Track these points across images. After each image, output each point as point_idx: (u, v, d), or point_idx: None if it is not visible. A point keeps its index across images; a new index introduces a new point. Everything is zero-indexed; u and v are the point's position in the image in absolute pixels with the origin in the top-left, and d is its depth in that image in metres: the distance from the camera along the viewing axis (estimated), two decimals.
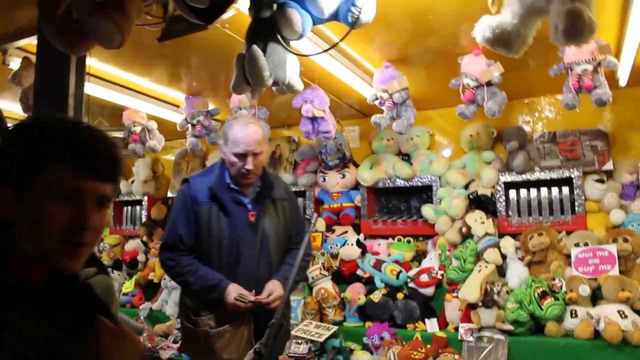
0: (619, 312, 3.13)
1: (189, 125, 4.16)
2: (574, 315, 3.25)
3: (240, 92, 2.26)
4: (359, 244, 4.04)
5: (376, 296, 3.70)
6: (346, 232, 4.32)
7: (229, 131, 2.78)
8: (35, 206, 1.07)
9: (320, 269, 3.92)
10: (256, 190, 2.86)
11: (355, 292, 3.83)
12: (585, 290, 3.27)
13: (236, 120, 2.84)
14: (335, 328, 3.66)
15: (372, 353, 3.50)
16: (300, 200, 4.63)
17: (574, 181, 3.79)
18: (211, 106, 4.20)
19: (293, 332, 3.60)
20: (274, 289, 2.69)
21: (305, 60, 3.08)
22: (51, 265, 1.09)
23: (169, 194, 5.54)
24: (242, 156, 2.74)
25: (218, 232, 2.75)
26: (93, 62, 3.36)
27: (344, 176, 4.42)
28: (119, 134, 4.43)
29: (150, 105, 4.20)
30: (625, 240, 3.44)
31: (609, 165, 3.81)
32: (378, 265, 3.82)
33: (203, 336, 2.66)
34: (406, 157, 4.38)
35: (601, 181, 3.81)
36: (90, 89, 3.55)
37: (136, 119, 4.32)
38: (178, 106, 4.28)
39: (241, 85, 2.18)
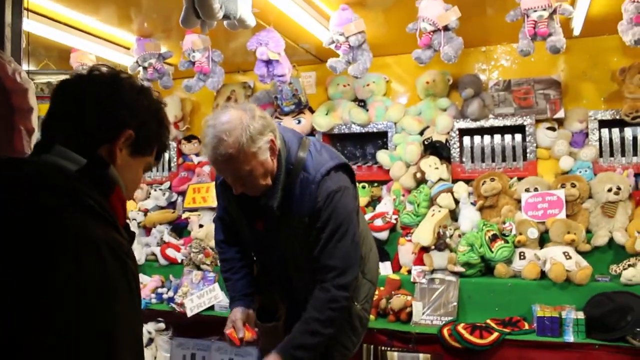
0: (564, 253, 3.25)
1: (140, 68, 4.02)
2: (522, 257, 3.36)
3: (190, 26, 2.18)
4: None
5: None
6: None
7: (203, 146, 2.06)
8: (138, 170, 1.23)
9: None
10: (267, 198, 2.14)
11: None
12: (533, 233, 3.37)
13: (208, 128, 1.99)
14: None
15: None
16: None
17: (527, 129, 3.85)
18: (164, 49, 4.05)
19: None
20: None
21: (260, 1, 3.00)
22: None
23: None
24: (226, 176, 2.11)
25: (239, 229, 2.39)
26: None
27: (299, 122, 4.38)
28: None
29: (99, 47, 4.03)
30: (573, 185, 3.54)
31: (560, 114, 3.88)
32: None
33: None
34: (362, 104, 4.36)
35: (552, 129, 3.88)
36: (33, 27, 3.38)
37: (84, 61, 4.13)
38: (128, 48, 4.12)
39: (191, 18, 2.10)
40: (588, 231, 3.46)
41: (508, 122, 3.90)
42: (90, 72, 1.19)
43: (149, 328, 2.22)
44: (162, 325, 2.32)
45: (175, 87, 4.31)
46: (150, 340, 2.19)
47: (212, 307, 3.69)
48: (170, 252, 4.15)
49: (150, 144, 1.24)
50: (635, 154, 3.71)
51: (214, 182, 2.79)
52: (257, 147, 1.97)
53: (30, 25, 3.03)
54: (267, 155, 2.02)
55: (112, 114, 1.14)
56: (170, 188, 4.74)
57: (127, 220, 1.22)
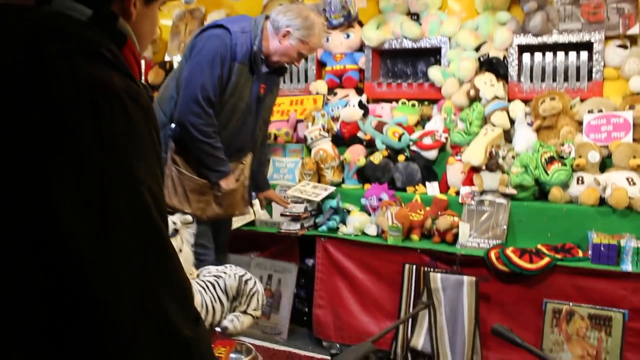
0: (627, 179, 3.03)
1: None
2: (580, 182, 3.14)
3: None
4: (361, 105, 3.85)
5: (376, 158, 3.57)
6: (347, 96, 4.12)
7: (310, 32, 2.73)
8: (154, 15, 1.09)
9: (320, 130, 3.77)
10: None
11: (355, 154, 3.70)
12: (594, 156, 3.13)
13: (318, 19, 2.80)
14: (333, 189, 3.57)
15: (369, 215, 3.43)
16: (302, 63, 4.39)
17: (595, 46, 3.53)
18: None
19: (290, 192, 3.54)
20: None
21: None
22: None
23: (167, 58, 5.28)
24: (303, 57, 2.87)
25: (238, 96, 2.74)
26: None
27: (348, 36, 4.16)
28: None
29: None
30: None
31: (635, 30, 3.53)
32: (380, 127, 3.66)
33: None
34: (415, 17, 4.09)
35: (624, 47, 3.55)
36: None
37: None
38: None
39: None
40: None
41: (574, 38, 3.58)
42: None
43: (174, 219, 2.15)
44: (189, 218, 2.26)
45: None
46: (175, 231, 2.13)
47: (252, 223, 3.64)
48: None
49: None
50: None
51: None
52: None
53: None
54: None
55: None
56: None
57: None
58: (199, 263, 2.53)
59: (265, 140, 3.37)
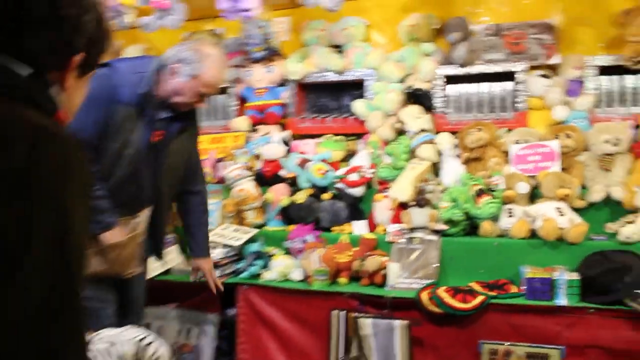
0: (557, 209, 2.96)
1: None
2: (510, 214, 3.08)
3: None
4: (283, 141, 3.68)
5: (300, 197, 3.39)
6: (269, 132, 3.94)
7: (199, 65, 2.40)
8: (85, 86, 1.17)
9: (241, 169, 3.56)
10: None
11: (279, 193, 3.51)
12: (523, 187, 3.07)
13: (210, 53, 2.45)
14: (254, 231, 3.35)
15: (294, 258, 3.22)
16: (222, 98, 4.22)
17: (518, 76, 3.51)
18: None
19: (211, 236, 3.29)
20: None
21: None
22: None
23: None
24: (205, 96, 2.50)
25: (124, 142, 2.38)
26: None
27: (270, 70, 4.00)
28: None
29: None
30: (568, 136, 3.23)
31: (555, 59, 3.54)
32: (303, 164, 3.50)
33: None
34: (339, 50, 3.98)
35: (546, 76, 3.54)
36: None
37: None
38: None
39: None
40: (583, 187, 3.15)
41: (498, 68, 3.55)
42: None
43: None
44: None
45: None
46: None
47: (168, 271, 3.36)
48: None
49: (99, 56, 1.14)
50: (634, 104, 3.40)
51: None
52: None
53: None
54: None
55: (58, 35, 0.99)
56: None
57: None
58: (96, 320, 2.24)
59: (202, 197, 2.88)
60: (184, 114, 2.54)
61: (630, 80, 3.40)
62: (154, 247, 2.76)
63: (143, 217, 2.54)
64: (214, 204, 3.62)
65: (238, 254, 3.30)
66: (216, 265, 3.15)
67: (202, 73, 2.40)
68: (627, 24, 3.32)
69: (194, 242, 2.91)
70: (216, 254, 3.17)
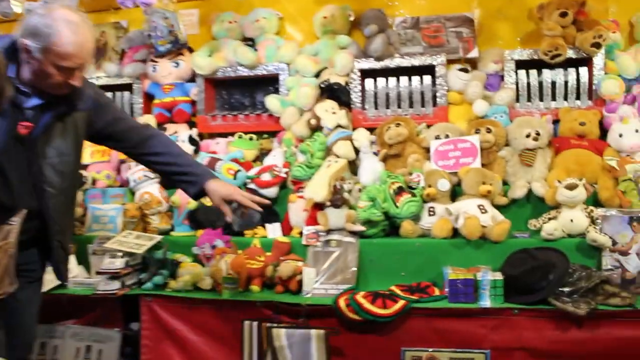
0: (479, 207, 2.85)
1: None
2: (431, 213, 2.94)
3: None
4: (191, 140, 3.43)
5: (209, 200, 3.13)
6: (177, 132, 3.66)
7: (51, 35, 1.97)
8: None
9: (144, 171, 3.27)
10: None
11: (186, 196, 3.23)
12: (444, 185, 2.93)
13: (61, 17, 1.99)
14: (159, 238, 3.07)
15: (203, 265, 2.97)
16: (127, 95, 3.90)
17: (437, 70, 3.42)
18: None
19: (108, 245, 2.97)
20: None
21: None
22: None
23: None
24: (69, 70, 2.03)
25: None
26: None
27: (177, 65, 3.72)
28: None
29: None
30: (488, 130, 3.14)
31: (474, 54, 3.50)
32: (212, 163, 3.24)
33: None
34: (251, 43, 3.76)
35: (465, 70, 3.47)
36: None
37: None
38: None
39: None
40: (505, 183, 3.07)
41: (416, 61, 3.44)
42: None
43: None
44: None
45: None
46: None
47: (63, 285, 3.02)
48: None
49: None
50: (553, 98, 3.38)
51: None
52: None
53: None
54: None
55: None
56: None
57: None
58: None
59: (158, 135, 2.51)
60: (61, 98, 2.12)
61: (548, 75, 3.37)
62: (48, 258, 2.35)
63: (17, 224, 2.18)
64: (115, 209, 3.32)
65: (141, 262, 3.00)
66: (115, 277, 2.85)
67: (53, 43, 1.98)
68: (542, 18, 3.32)
69: (192, 174, 2.46)
70: (117, 264, 2.87)
